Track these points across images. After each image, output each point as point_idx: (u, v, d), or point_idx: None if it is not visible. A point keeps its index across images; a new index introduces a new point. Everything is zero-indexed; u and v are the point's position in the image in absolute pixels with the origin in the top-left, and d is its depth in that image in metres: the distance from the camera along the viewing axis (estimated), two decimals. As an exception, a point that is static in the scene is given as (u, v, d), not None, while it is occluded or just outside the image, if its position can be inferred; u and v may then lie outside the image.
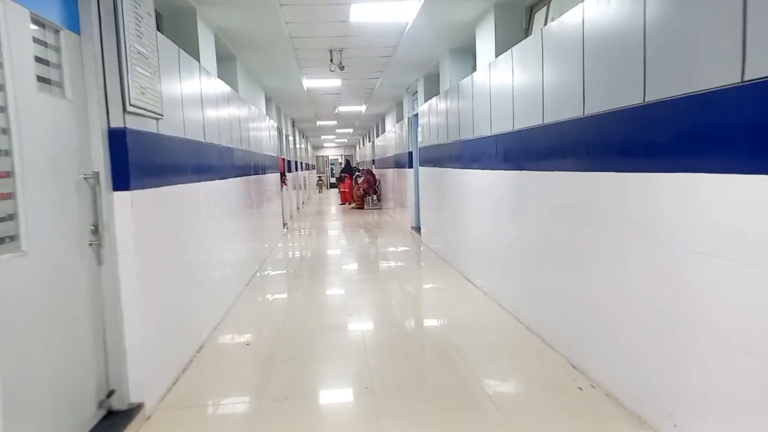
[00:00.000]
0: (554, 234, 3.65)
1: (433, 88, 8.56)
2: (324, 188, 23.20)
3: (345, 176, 20.83)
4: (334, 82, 9.37)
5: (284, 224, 11.57)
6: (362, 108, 13.57)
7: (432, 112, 7.75)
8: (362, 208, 16.68)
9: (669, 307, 2.41)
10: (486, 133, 5.12)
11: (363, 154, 26.01)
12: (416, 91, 9.49)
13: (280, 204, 10.52)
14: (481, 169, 5.34)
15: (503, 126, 4.62)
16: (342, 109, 13.52)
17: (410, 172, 10.30)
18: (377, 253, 8.37)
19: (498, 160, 4.79)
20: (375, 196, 16.80)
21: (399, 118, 11.94)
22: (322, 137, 26.17)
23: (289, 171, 13.86)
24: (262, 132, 8.42)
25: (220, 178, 5.21)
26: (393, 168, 12.86)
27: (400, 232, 10.55)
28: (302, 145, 21.60)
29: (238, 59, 7.02)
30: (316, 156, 34.44)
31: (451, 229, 6.86)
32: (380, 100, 12.06)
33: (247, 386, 3.27)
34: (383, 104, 12.91)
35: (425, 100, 8.52)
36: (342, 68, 6.87)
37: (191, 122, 4.11)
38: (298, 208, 16.31)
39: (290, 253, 8.79)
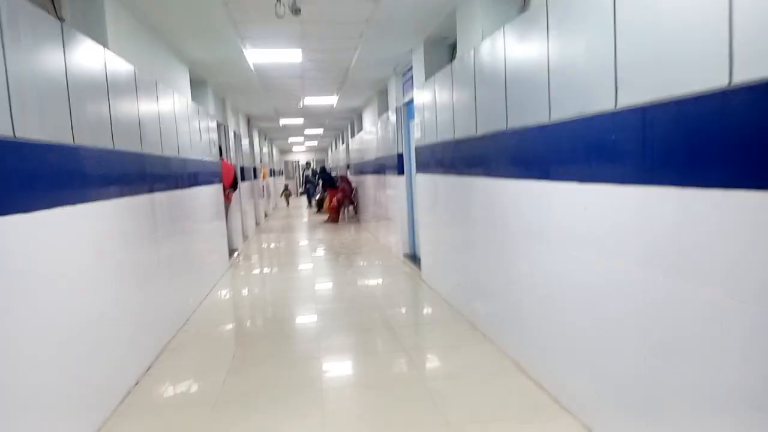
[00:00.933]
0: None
1: (440, 58, 5.89)
2: (291, 197, 20.42)
3: (318, 185, 18.11)
4: (292, 55, 6.64)
5: (234, 252, 8.77)
6: (334, 99, 10.87)
7: (442, 89, 5.09)
8: (336, 221, 13.94)
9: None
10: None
11: (335, 158, 23.22)
12: (410, 68, 6.83)
13: (223, 226, 7.73)
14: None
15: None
16: (309, 101, 10.79)
17: (400, 180, 7.63)
18: (366, 306, 5.61)
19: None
20: (351, 208, 14.06)
21: (383, 110, 9.26)
22: (290, 140, 23.32)
23: (244, 179, 11.03)
24: (185, 127, 5.65)
25: (80, 202, 2.54)
26: (374, 174, 10.19)
27: (388, 260, 7.87)
28: (265, 149, 18.72)
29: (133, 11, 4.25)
30: (285, 161, 31.53)
31: (479, 268, 4.21)
32: (357, 88, 9.38)
33: None
34: (361, 94, 10.24)
35: (427, 78, 5.85)
36: (297, 12, 4.13)
37: None
38: (258, 223, 13.46)
39: (232, 309, 6.00)
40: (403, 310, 5.33)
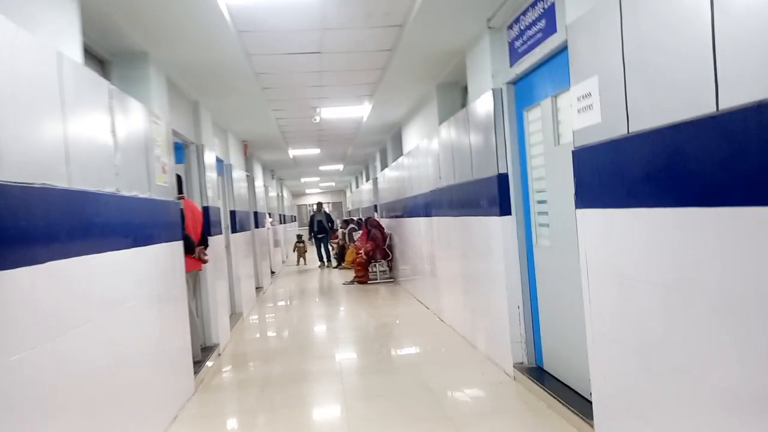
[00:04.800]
0: None
1: None
2: (306, 251, 16.13)
3: (343, 230, 14.41)
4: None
5: (209, 352, 5.26)
6: (364, 110, 7.57)
7: None
8: (365, 281, 10.42)
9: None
10: None
11: (356, 200, 19.88)
12: (522, 14, 3.47)
13: (181, 312, 4.26)
14: None
15: None
16: (326, 114, 7.48)
17: (497, 223, 4.10)
18: None
19: None
20: (385, 262, 10.55)
21: (446, 116, 5.88)
22: (303, 179, 20.08)
23: (236, 230, 7.60)
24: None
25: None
26: (426, 217, 6.72)
27: (479, 370, 4.31)
28: (273, 191, 15.40)
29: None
30: (297, 205, 28.32)
31: None
32: (396, 93, 6.16)
33: None
34: (401, 102, 6.96)
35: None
36: None
37: None
38: (261, 288, 9.97)
39: None
40: None
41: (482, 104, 4.29)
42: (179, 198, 4.79)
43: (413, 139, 7.66)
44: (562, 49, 3.18)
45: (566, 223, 3.24)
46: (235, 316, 7.26)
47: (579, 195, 2.73)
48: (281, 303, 9.26)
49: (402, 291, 9.04)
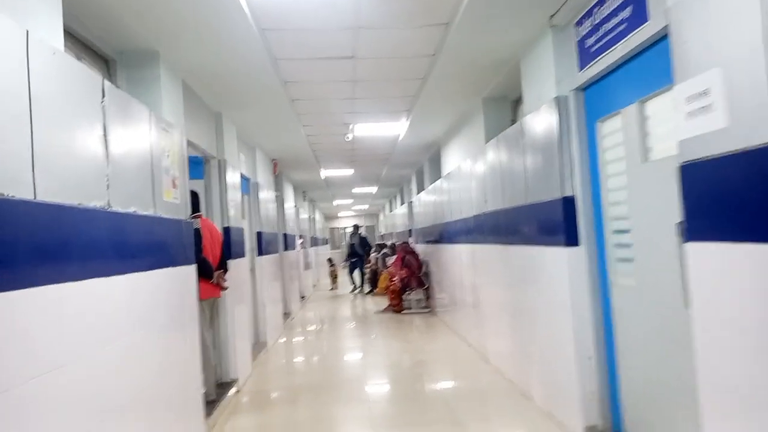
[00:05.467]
0: None
1: None
2: (338, 276, 15.51)
3: (376, 254, 13.80)
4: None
5: (227, 388, 4.68)
6: (400, 131, 7.05)
7: None
8: (399, 310, 9.76)
9: None
10: None
11: (390, 224, 19.31)
12: (593, 8, 2.89)
13: (193, 347, 3.71)
14: None
15: None
16: (359, 131, 6.97)
17: (563, 255, 3.45)
18: None
19: None
20: (422, 290, 9.88)
21: (493, 133, 5.28)
22: (335, 202, 19.65)
23: (261, 253, 7.09)
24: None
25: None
26: (468, 243, 6.08)
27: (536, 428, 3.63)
28: (305, 213, 14.96)
29: None
30: (330, 228, 27.90)
31: None
32: (435, 108, 5.59)
33: None
34: (441, 121, 6.40)
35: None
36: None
37: None
38: (289, 314, 9.41)
39: None
40: None
41: (542, 116, 3.67)
42: (194, 217, 4.29)
43: (454, 159, 7.06)
44: (655, 42, 2.56)
45: (659, 257, 2.58)
46: (259, 345, 6.70)
47: (690, 224, 2.07)
48: (309, 331, 8.68)
49: (439, 323, 8.36)
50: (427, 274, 9.70)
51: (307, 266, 14.09)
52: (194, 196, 4.43)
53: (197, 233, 4.23)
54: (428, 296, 9.83)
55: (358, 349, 7.16)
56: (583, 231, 3.34)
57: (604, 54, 2.99)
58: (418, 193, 10.60)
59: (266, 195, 7.72)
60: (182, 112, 4.01)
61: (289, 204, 10.78)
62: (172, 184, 3.57)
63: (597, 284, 3.30)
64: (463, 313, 6.77)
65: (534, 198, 3.89)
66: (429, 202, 9.03)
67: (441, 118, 6.36)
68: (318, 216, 21.30)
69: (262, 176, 7.63)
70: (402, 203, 14.86)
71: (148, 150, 3.13)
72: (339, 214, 27.40)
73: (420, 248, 10.34)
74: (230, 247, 5.14)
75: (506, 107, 5.35)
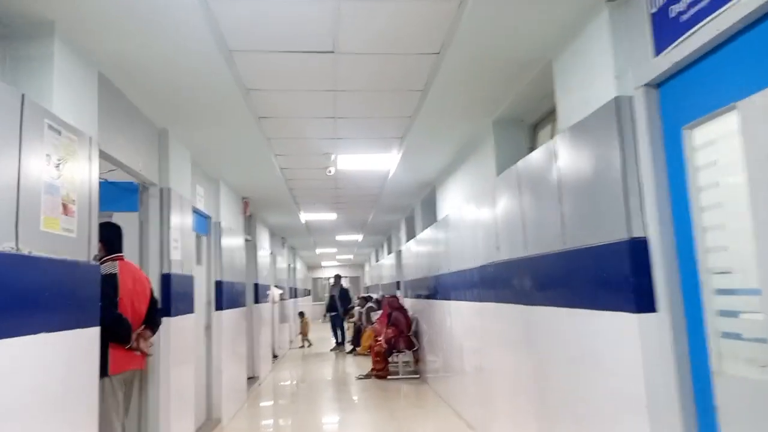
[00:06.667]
0: None
1: None
2: (308, 331, 13.92)
3: (360, 308, 12.63)
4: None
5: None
6: (390, 166, 6.05)
7: None
8: (384, 376, 8.48)
9: None
10: None
11: (376, 275, 18.11)
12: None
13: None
14: None
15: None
16: (343, 164, 5.94)
17: (622, 325, 2.35)
18: None
19: None
20: (410, 352, 8.64)
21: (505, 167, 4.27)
22: (318, 251, 18.45)
23: (221, 307, 5.90)
24: None
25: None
26: (467, 302, 4.96)
27: None
28: (284, 261, 13.75)
29: None
30: (313, 278, 26.57)
31: None
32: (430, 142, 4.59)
33: None
34: (439, 152, 5.40)
35: None
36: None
37: None
38: (255, 378, 8.06)
39: None
40: None
41: (591, 127, 2.64)
42: (109, 259, 3.16)
43: (452, 201, 6.02)
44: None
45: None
46: (209, 424, 5.41)
47: None
48: (277, 404, 7.36)
49: (430, 393, 7.11)
50: (417, 334, 8.49)
51: (283, 319, 12.77)
52: (113, 230, 3.31)
53: (112, 280, 3.09)
54: (417, 359, 8.59)
55: (332, 427, 5.88)
56: (662, 290, 2.25)
57: (705, 22, 1.98)
58: (408, 240, 9.51)
59: (231, 237, 6.58)
60: (96, 114, 2.93)
61: (264, 251, 9.61)
62: (61, 210, 2.45)
63: (687, 371, 2.19)
64: (461, 384, 5.57)
65: (576, 242, 2.81)
66: (421, 250, 7.93)
67: (440, 148, 5.33)
68: (299, 265, 20.04)
69: (229, 216, 6.51)
70: (389, 253, 13.75)
71: (14, 153, 2.04)
72: (322, 263, 26.13)
73: (409, 303, 9.17)
74: (170, 299, 3.97)
75: (522, 132, 4.36)
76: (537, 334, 3.41)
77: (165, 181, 4.13)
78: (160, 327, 3.57)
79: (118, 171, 3.71)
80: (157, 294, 3.82)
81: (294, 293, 16.20)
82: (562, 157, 2.98)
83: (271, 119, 4.39)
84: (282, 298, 12.42)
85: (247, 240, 8.06)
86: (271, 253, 10.90)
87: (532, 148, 4.18)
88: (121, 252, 3.32)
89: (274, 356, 10.54)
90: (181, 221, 4.35)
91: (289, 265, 15.49)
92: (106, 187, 3.88)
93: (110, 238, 3.23)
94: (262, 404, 7.07)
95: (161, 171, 4.14)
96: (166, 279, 3.99)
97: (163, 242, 4.03)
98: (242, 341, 7.06)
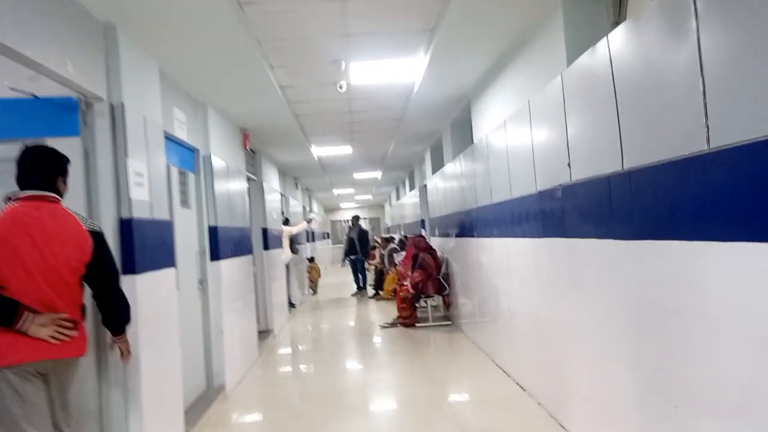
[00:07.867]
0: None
1: None
2: (318, 277, 12.96)
3: (381, 250, 11.74)
4: None
5: None
6: (415, 76, 4.90)
7: None
8: (412, 323, 7.60)
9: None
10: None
11: (397, 215, 17.12)
12: None
13: None
14: None
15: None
16: (356, 76, 4.80)
17: None
18: None
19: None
20: (441, 296, 7.73)
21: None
22: (335, 191, 17.44)
23: (218, 257, 4.96)
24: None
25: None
26: (519, 238, 3.94)
27: None
28: (298, 204, 12.79)
29: None
30: (331, 221, 25.76)
31: None
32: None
33: None
34: (480, 50, 4.21)
35: None
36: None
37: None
38: (270, 332, 7.24)
39: None
40: None
41: None
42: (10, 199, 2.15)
43: (494, 116, 4.87)
44: None
45: None
46: (209, 393, 4.57)
47: None
48: (291, 362, 6.55)
49: (465, 342, 6.22)
50: (447, 276, 7.53)
51: (299, 262, 11.91)
52: (23, 157, 2.27)
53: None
54: (448, 304, 7.68)
55: (357, 391, 5.01)
56: None
57: None
58: (435, 173, 8.40)
59: (230, 176, 5.55)
60: None
61: (273, 192, 8.61)
62: None
63: None
64: (507, 336, 4.62)
65: (730, 136, 1.71)
66: (452, 182, 6.84)
67: (483, 42, 4.08)
68: (316, 208, 19.14)
69: (224, 150, 5.45)
70: (412, 189, 12.70)
71: None
72: (341, 205, 25.24)
73: (437, 243, 8.18)
74: (133, 252, 2.99)
75: (602, 1, 3.17)
76: (636, 277, 2.38)
77: (117, 96, 3.05)
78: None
79: (56, 85, 2.66)
80: (115, 247, 2.85)
81: (312, 237, 15.31)
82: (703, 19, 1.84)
83: (257, 5, 3.25)
84: (311, 227, 11.58)
85: (251, 179, 7.04)
86: (282, 195, 9.90)
87: (616, 23, 3.02)
88: (30, 189, 2.28)
89: (291, 305, 9.73)
90: (146, 150, 3.30)
91: (305, 207, 14.53)
92: (32, 103, 2.84)
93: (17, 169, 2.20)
94: (274, 363, 6.24)
95: (111, 82, 3.05)
96: (126, 225, 2.99)
97: (120, 177, 3.00)
98: (249, 293, 6.17)
